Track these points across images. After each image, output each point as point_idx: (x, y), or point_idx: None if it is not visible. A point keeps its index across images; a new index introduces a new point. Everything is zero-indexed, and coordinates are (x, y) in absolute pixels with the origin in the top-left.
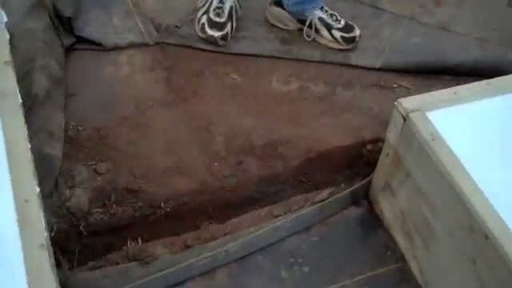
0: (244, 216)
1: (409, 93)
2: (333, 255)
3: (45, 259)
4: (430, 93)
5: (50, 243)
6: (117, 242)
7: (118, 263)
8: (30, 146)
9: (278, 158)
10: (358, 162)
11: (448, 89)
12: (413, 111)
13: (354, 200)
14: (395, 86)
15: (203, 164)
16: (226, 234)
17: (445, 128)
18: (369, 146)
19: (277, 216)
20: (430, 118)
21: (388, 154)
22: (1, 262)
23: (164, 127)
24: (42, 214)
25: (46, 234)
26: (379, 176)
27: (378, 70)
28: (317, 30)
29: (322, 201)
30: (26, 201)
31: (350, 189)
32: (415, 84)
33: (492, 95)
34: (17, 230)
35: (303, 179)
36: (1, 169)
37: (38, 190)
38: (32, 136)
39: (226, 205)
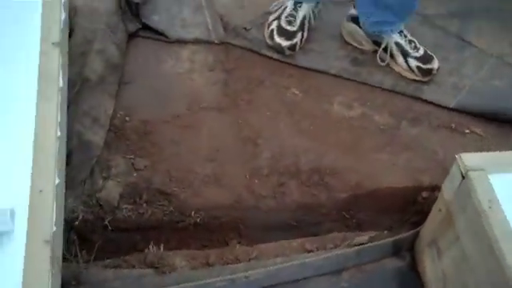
0: (274, 244)
1: (481, 142)
2: None
3: (46, 256)
4: (498, 152)
5: (60, 235)
6: (139, 243)
7: (134, 266)
8: (59, 134)
9: (324, 188)
10: (410, 208)
11: None
12: (474, 170)
13: (396, 250)
14: (467, 131)
15: (243, 179)
16: (250, 259)
17: (507, 196)
18: (425, 194)
19: (309, 251)
20: (491, 181)
21: (440, 210)
22: (1, 254)
23: (212, 132)
24: (55, 205)
25: (54, 228)
26: (428, 230)
27: (452, 109)
28: (392, 56)
29: (361, 244)
30: (41, 191)
31: (394, 237)
32: (490, 132)
33: None
34: (25, 222)
35: (346, 215)
36: (24, 156)
37: (57, 181)
38: (75, 120)
39: (258, 226)
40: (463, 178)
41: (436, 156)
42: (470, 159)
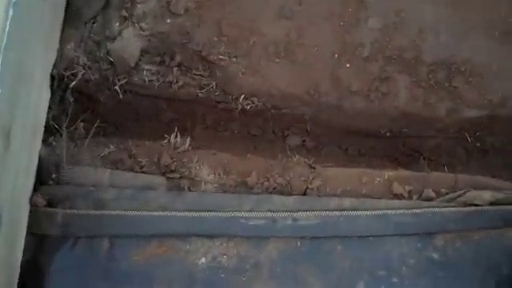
0: (347, 171)
1: None
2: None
3: None
4: None
5: None
6: (158, 127)
7: (142, 167)
8: None
9: (448, 95)
10: None
11: None
12: None
13: None
14: None
15: (329, 58)
16: (307, 190)
17: None
18: None
19: (395, 195)
20: None
21: None
22: None
23: None
24: None
25: None
26: None
27: None
28: None
29: (475, 205)
30: None
31: None
32: None
33: None
34: None
35: (469, 138)
36: None
37: None
38: None
39: (334, 129)
40: None
41: None
42: None
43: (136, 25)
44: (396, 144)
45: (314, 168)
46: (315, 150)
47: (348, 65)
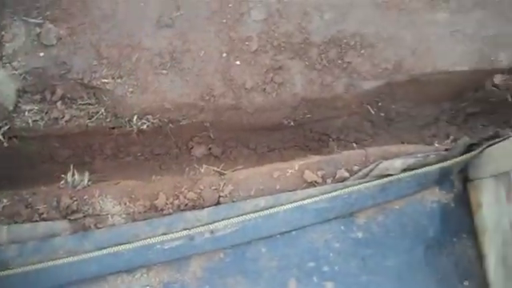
0: (257, 170)
1: None
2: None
3: None
4: None
5: None
6: (53, 168)
7: (41, 214)
8: None
9: (343, 72)
10: (469, 95)
11: None
12: None
13: (443, 177)
14: None
15: (217, 58)
16: (220, 198)
17: None
18: (498, 78)
19: (309, 183)
20: None
21: None
22: None
23: None
24: None
25: None
26: (499, 155)
27: None
28: None
29: (388, 175)
30: None
31: (442, 164)
32: None
33: None
34: None
35: (372, 110)
36: None
37: None
38: None
39: (236, 129)
40: None
41: None
42: None
43: (8, 65)
44: (303, 132)
45: (224, 174)
46: (223, 156)
47: (238, 62)
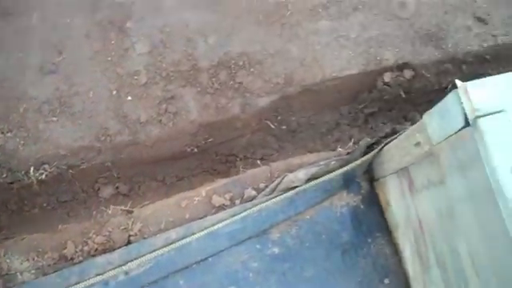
0: (165, 202)
1: None
2: (298, 282)
3: None
4: None
5: None
6: None
7: None
8: None
9: (236, 92)
10: (365, 96)
11: None
12: (487, 114)
13: (348, 180)
14: None
15: (108, 96)
16: (130, 238)
17: None
18: (388, 76)
19: (218, 207)
20: None
21: (419, 144)
22: None
23: (47, 14)
24: None
25: None
26: (395, 153)
27: None
28: None
29: (295, 187)
30: None
31: (345, 168)
32: None
33: None
34: None
35: (272, 124)
36: None
37: None
38: None
39: (140, 167)
40: (467, 124)
41: (403, 12)
42: (479, 94)
43: None
44: (209, 156)
45: (132, 212)
46: (132, 192)
47: (130, 97)
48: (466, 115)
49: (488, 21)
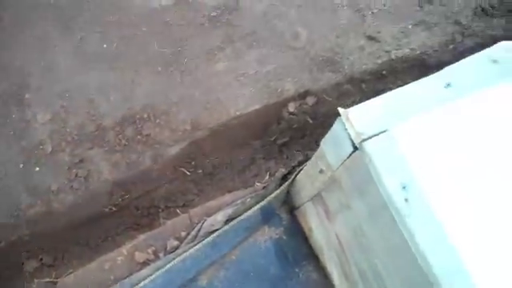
0: (88, 267)
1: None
2: None
3: None
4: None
5: None
6: None
7: None
8: None
9: (145, 145)
10: (275, 129)
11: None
12: (371, 136)
13: (269, 214)
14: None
15: (17, 171)
16: None
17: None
18: (292, 106)
19: (144, 262)
20: (401, 146)
21: (322, 172)
22: None
23: None
24: None
25: None
26: (306, 183)
27: None
28: None
29: (215, 230)
30: None
31: (261, 204)
32: None
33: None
34: None
35: (187, 171)
36: None
37: None
38: None
39: (61, 234)
40: (355, 148)
41: (297, 43)
42: (362, 118)
43: None
44: (129, 212)
45: (56, 283)
46: (57, 262)
47: (37, 168)
48: (352, 140)
49: (379, 38)
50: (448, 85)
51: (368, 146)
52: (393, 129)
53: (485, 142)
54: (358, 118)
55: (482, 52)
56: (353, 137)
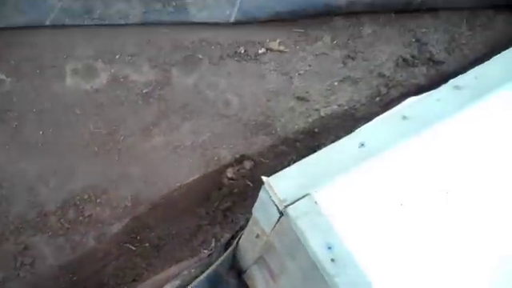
0: None
1: (280, 57)
2: None
3: None
4: (315, 155)
5: None
6: None
7: None
8: None
9: (88, 226)
10: (217, 195)
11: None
12: (294, 201)
13: (214, 283)
14: (261, 51)
15: None
16: None
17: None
18: (230, 172)
19: None
20: (324, 209)
21: (259, 236)
22: None
23: None
24: None
25: None
26: (248, 248)
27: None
28: None
29: None
30: None
31: (207, 271)
32: (288, 43)
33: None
34: None
35: (133, 246)
36: None
37: None
38: None
39: None
40: (281, 213)
41: (229, 110)
42: (284, 184)
43: None
44: None
45: None
46: None
47: None
48: (277, 206)
49: (308, 98)
50: (362, 144)
51: (291, 212)
52: (314, 192)
53: (398, 198)
54: (280, 185)
55: (393, 109)
56: (277, 203)
